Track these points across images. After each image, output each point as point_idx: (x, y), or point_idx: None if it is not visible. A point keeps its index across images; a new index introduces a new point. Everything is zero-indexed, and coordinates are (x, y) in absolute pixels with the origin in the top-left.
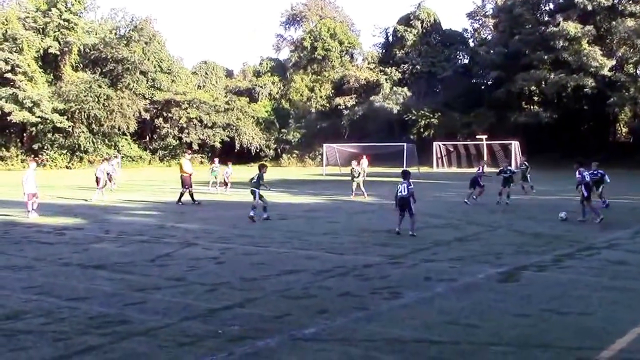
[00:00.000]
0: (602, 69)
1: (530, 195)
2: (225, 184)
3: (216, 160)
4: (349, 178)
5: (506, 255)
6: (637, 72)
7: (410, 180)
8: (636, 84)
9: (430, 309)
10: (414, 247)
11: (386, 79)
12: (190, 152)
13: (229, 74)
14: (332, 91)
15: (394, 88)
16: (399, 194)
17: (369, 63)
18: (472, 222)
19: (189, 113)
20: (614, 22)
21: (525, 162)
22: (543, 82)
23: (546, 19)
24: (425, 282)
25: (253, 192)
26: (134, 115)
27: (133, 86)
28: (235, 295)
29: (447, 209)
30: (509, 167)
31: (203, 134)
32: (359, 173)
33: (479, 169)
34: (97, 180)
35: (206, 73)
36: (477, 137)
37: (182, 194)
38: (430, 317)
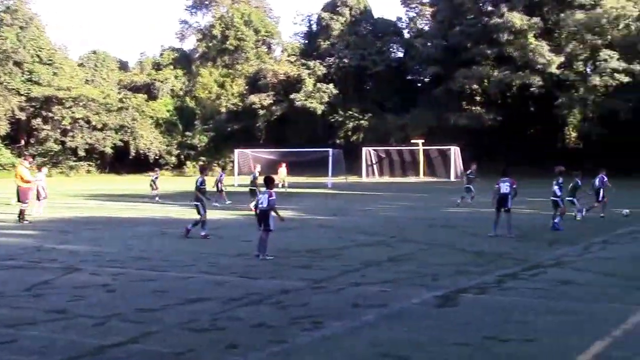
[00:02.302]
0: (550, 66)
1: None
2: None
3: (258, 166)
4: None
5: (444, 277)
6: (587, 70)
7: (273, 191)
8: (586, 83)
9: (358, 340)
10: (340, 269)
11: (309, 74)
12: (29, 156)
13: (124, 67)
14: (246, 88)
15: (318, 85)
16: (259, 205)
17: (289, 55)
18: (407, 240)
19: (74, 112)
20: (562, 15)
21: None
22: (486, 80)
23: (489, 8)
24: (352, 310)
25: (197, 204)
26: (5, 115)
27: (4, 80)
28: (129, 329)
29: (378, 224)
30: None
31: (91, 138)
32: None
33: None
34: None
35: (96, 65)
36: (413, 141)
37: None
38: (358, 350)
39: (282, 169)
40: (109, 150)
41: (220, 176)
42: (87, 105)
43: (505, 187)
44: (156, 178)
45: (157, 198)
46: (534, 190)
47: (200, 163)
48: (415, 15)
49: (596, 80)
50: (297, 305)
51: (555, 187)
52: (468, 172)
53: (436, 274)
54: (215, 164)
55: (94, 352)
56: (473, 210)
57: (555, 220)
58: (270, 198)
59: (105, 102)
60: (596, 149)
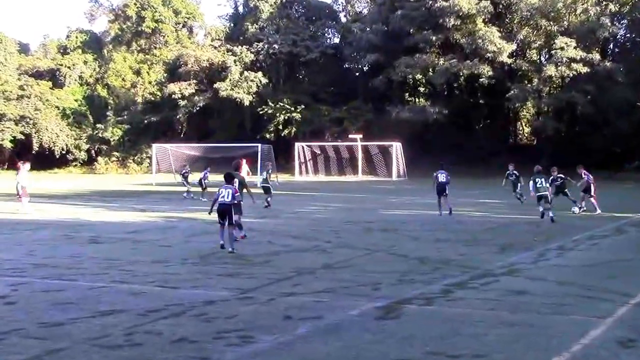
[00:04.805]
0: (501, 54)
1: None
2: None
3: (269, 164)
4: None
5: (385, 286)
6: (542, 59)
7: (235, 185)
8: (540, 73)
9: (290, 356)
10: (270, 278)
11: (235, 61)
12: None
13: (24, 50)
14: (165, 75)
15: (246, 73)
16: (220, 199)
17: (213, 40)
18: (344, 245)
19: None
20: None
21: (515, 172)
22: (431, 70)
23: None
24: (284, 322)
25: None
26: None
27: None
28: (31, 345)
29: (312, 227)
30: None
31: None
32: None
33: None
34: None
35: None
36: (350, 136)
37: None
38: None
39: (244, 166)
40: (8, 144)
41: (205, 173)
42: None
43: (442, 177)
44: (187, 173)
45: (190, 194)
46: (485, 192)
47: (236, 161)
48: None
49: (551, 70)
50: (222, 318)
51: (541, 181)
52: (507, 173)
53: (376, 283)
54: (131, 160)
55: None
56: (414, 212)
57: (551, 214)
58: (236, 194)
59: (3, 90)
60: (551, 146)
